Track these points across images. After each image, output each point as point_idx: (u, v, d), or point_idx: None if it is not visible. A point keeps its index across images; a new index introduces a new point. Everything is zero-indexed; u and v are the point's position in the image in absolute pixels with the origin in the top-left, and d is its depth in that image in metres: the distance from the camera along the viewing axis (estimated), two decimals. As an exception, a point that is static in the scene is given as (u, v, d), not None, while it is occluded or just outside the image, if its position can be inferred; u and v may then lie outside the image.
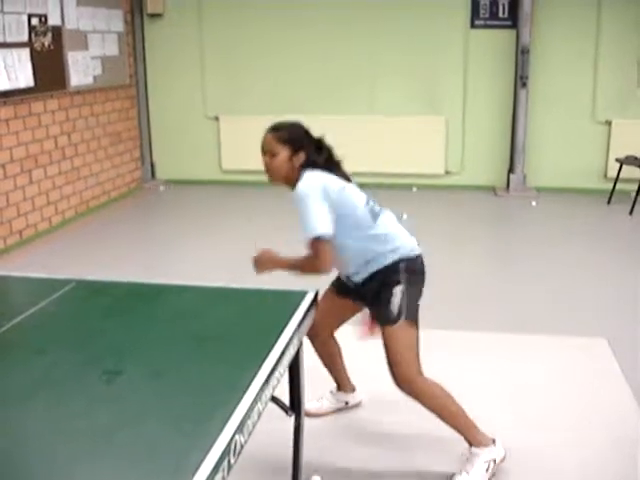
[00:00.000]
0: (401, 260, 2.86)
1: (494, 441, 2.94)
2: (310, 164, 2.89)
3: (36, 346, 2.17)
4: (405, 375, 2.85)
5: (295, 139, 2.91)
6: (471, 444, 2.91)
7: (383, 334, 2.88)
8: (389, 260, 2.86)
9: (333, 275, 3.08)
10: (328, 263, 2.79)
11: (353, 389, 3.49)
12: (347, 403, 3.48)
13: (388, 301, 2.83)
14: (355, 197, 2.87)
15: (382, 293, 2.86)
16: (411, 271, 2.88)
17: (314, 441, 2.94)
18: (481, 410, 3.05)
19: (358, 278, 2.96)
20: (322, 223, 2.73)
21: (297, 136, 2.93)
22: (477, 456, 2.89)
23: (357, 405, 3.49)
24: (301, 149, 2.89)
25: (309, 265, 2.81)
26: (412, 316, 2.86)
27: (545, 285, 5.15)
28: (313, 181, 2.80)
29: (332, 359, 3.37)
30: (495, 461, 2.91)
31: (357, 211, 2.84)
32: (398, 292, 2.83)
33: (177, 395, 1.85)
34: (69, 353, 2.10)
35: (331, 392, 3.47)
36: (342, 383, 3.45)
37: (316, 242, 2.74)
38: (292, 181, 2.88)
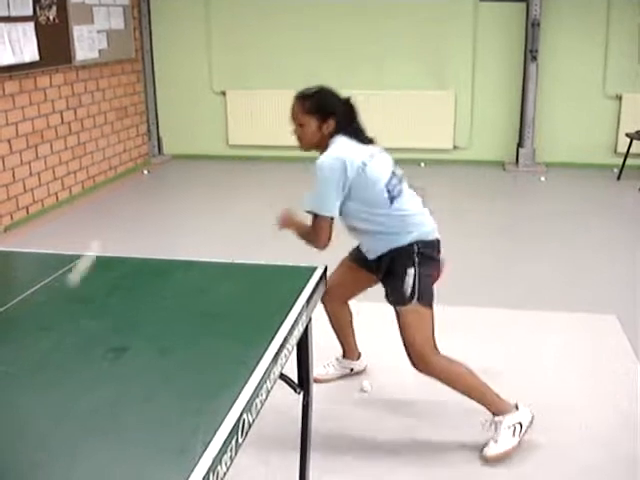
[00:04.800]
0: (416, 242, 2.82)
1: (517, 406, 2.95)
2: (340, 130, 2.83)
3: (41, 322, 2.15)
4: (420, 355, 2.84)
5: (322, 107, 2.81)
6: (494, 413, 2.93)
7: (396, 314, 2.86)
8: (404, 241, 2.82)
9: (354, 243, 3.08)
10: (324, 242, 2.81)
11: (359, 356, 3.51)
12: (352, 370, 3.51)
13: (401, 281, 2.80)
14: (376, 175, 2.79)
15: (395, 273, 2.83)
16: (425, 255, 2.84)
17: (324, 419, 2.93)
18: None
19: (371, 255, 2.93)
20: (329, 205, 2.74)
21: (324, 104, 2.83)
22: (500, 423, 2.91)
23: (362, 371, 3.52)
24: (330, 116, 2.81)
25: (308, 237, 2.84)
26: (426, 300, 2.83)
27: (554, 261, 5.12)
28: (336, 156, 2.74)
29: (342, 326, 3.39)
30: (521, 424, 2.92)
31: (374, 190, 2.78)
32: (411, 274, 2.80)
33: (184, 373, 1.82)
34: (74, 330, 2.08)
35: (337, 359, 3.49)
36: (349, 350, 3.48)
37: (318, 219, 2.77)
38: (323, 148, 2.83)
